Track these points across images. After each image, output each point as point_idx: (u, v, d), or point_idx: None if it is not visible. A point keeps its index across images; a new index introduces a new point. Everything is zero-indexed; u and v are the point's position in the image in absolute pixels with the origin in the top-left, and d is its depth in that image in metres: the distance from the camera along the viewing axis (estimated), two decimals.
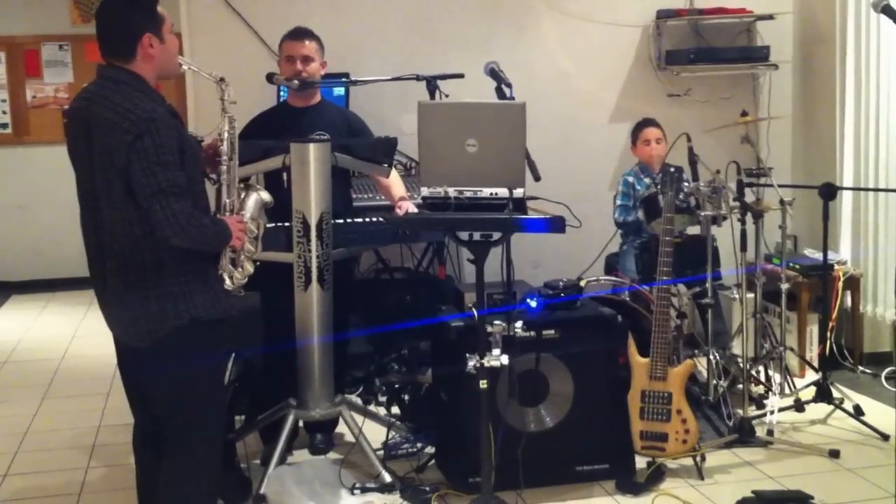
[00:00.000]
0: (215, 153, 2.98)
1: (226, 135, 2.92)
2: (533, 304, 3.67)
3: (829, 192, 4.39)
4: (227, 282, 2.85)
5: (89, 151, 2.67)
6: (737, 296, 4.74)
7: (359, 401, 4.46)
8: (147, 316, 2.68)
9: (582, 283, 3.97)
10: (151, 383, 2.79)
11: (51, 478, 3.98)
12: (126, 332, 2.75)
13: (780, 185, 4.50)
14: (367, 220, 3.97)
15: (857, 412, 4.29)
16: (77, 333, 6.41)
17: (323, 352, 3.76)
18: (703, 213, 4.15)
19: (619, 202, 4.79)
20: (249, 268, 2.92)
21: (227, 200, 2.89)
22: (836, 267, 5.02)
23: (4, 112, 8.03)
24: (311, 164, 3.65)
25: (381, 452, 3.89)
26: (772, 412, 4.19)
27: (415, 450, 3.97)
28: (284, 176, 3.79)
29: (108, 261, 2.70)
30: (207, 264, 2.78)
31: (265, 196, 3.01)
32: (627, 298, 4.25)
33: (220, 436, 2.96)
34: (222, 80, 2.94)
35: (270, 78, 4.00)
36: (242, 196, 2.99)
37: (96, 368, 5.43)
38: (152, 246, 2.64)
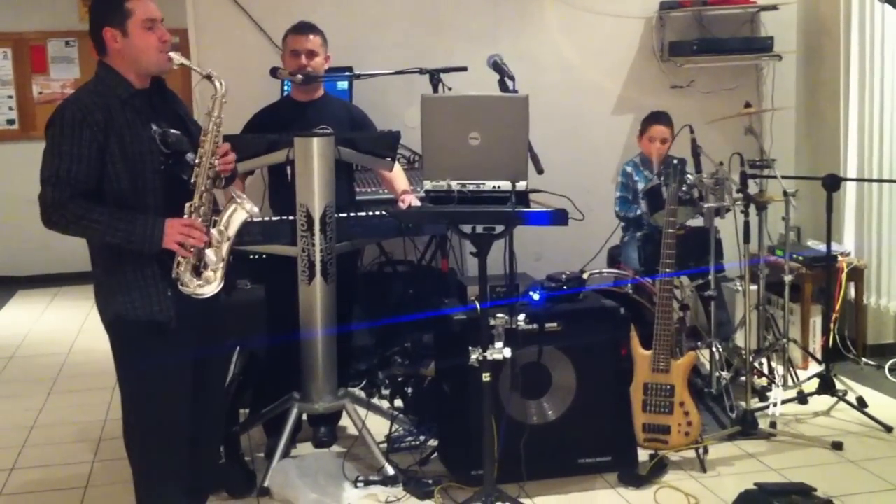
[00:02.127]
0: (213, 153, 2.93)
1: (209, 135, 2.77)
2: (535, 296, 3.68)
3: (832, 183, 4.38)
4: (184, 288, 2.75)
5: None
6: (740, 288, 4.74)
7: (362, 394, 4.48)
8: (96, 304, 2.81)
9: (585, 276, 3.97)
10: None
11: (57, 471, 4.01)
12: None
13: (783, 177, 4.49)
14: (371, 213, 3.98)
15: (861, 404, 4.29)
16: (83, 328, 6.43)
17: (326, 345, 3.77)
18: (706, 205, 4.15)
19: (618, 194, 4.78)
20: (211, 276, 2.76)
21: (189, 203, 2.73)
22: (840, 258, 5.01)
23: (11, 108, 8.07)
24: (315, 157, 3.66)
25: (385, 445, 3.91)
26: (775, 404, 4.19)
27: (418, 443, 3.98)
28: (288, 170, 3.80)
29: None
30: (144, 263, 2.72)
31: (242, 212, 2.82)
32: (630, 291, 4.26)
33: (163, 442, 2.85)
34: (210, 76, 2.81)
35: (274, 72, 4.02)
36: (229, 207, 2.85)
37: (102, 363, 5.37)
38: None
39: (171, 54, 2.79)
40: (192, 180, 2.76)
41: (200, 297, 2.77)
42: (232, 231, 2.82)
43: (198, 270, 2.77)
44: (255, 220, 2.94)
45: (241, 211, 2.83)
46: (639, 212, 4.62)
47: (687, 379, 3.75)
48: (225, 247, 2.80)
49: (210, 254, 2.77)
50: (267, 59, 4.70)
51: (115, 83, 2.73)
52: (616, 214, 4.76)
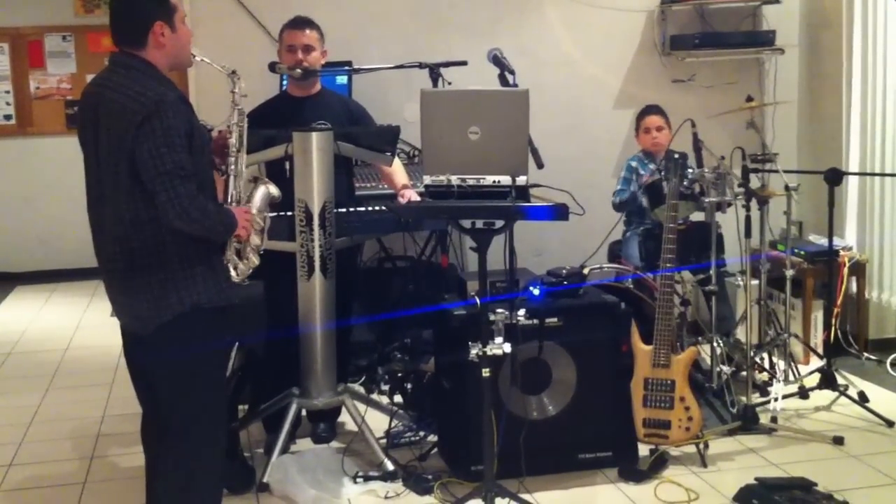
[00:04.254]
0: (225, 145, 2.98)
1: (235, 127, 2.91)
2: (536, 291, 3.66)
3: (834, 177, 4.37)
4: (232, 273, 2.84)
5: (97, 137, 2.69)
6: (741, 282, 4.72)
7: (361, 389, 4.47)
8: (150, 301, 2.68)
9: (585, 271, 3.96)
10: (154, 371, 2.78)
11: (55, 467, 3.99)
12: (130, 318, 2.76)
13: (785, 171, 4.47)
14: (370, 208, 3.96)
15: (862, 399, 4.28)
16: (81, 324, 6.42)
17: (326, 341, 3.76)
18: (707, 200, 4.13)
19: (618, 186, 4.77)
20: (255, 260, 2.90)
21: (234, 191, 2.88)
22: (842, 253, 5.00)
23: (8, 103, 8.04)
24: (314, 153, 3.64)
25: (384, 441, 3.90)
26: (776, 399, 4.19)
27: (417, 438, 3.98)
28: (287, 165, 3.78)
29: (113, 247, 2.70)
30: (212, 252, 2.76)
31: (273, 190, 3.00)
32: (631, 286, 4.24)
33: (223, 424, 2.94)
34: (234, 72, 2.94)
35: (273, 67, 3.99)
36: (251, 188, 2.98)
37: (100, 358, 5.44)
38: (156, 231, 2.63)
39: (193, 50, 2.85)
40: (232, 168, 2.88)
41: (238, 280, 2.87)
42: (266, 211, 2.96)
43: (239, 255, 2.86)
44: (277, 199, 3.08)
45: (272, 189, 2.99)
46: (634, 190, 4.62)
47: (687, 374, 3.74)
48: (266, 228, 2.95)
49: (255, 237, 2.90)
50: (265, 54, 4.68)
51: (159, 76, 2.72)
52: (613, 205, 4.74)
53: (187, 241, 2.67)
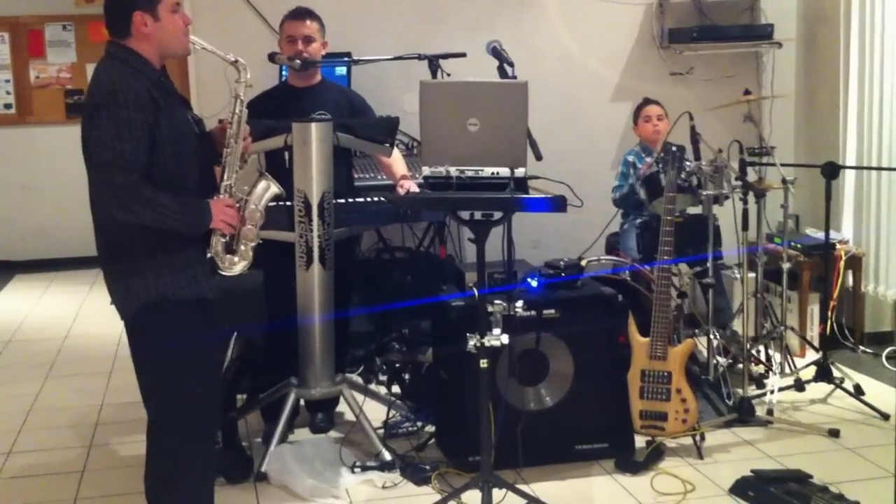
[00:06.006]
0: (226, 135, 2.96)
1: (235, 117, 2.88)
2: (534, 283, 3.67)
3: (831, 170, 4.38)
4: (220, 266, 2.80)
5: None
6: (738, 275, 4.74)
7: (359, 380, 4.48)
8: (122, 290, 2.72)
9: (583, 263, 3.97)
10: (134, 359, 2.81)
11: (54, 455, 4.01)
12: (115, 304, 2.79)
13: (782, 164, 4.49)
14: (369, 199, 3.97)
15: (858, 392, 4.30)
16: (80, 313, 6.43)
17: (324, 331, 3.77)
18: (704, 193, 4.14)
19: (616, 182, 4.78)
20: (248, 254, 2.86)
21: (226, 183, 2.83)
22: (838, 246, 5.01)
23: (8, 92, 8.03)
24: (313, 143, 3.65)
25: (382, 431, 3.91)
26: (772, 391, 4.20)
27: (415, 429, 3.99)
28: (286, 155, 3.79)
29: (98, 235, 2.75)
30: (188, 244, 2.73)
31: (275, 188, 2.95)
32: (628, 278, 4.26)
33: (206, 418, 2.89)
34: (237, 61, 2.91)
35: (272, 57, 4.00)
36: (254, 180, 2.94)
37: (99, 347, 5.45)
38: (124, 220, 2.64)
39: (193, 38, 2.82)
40: (224, 160, 2.83)
41: (231, 274, 2.83)
42: (262, 207, 2.91)
43: (229, 248, 2.82)
44: (280, 196, 3.03)
45: (274, 187, 2.94)
46: (632, 183, 4.63)
47: (684, 366, 3.76)
48: (260, 223, 2.89)
49: (247, 231, 2.85)
50: (265, 45, 4.68)
51: (141, 65, 2.70)
52: (613, 201, 4.75)
53: (155, 232, 2.66)
